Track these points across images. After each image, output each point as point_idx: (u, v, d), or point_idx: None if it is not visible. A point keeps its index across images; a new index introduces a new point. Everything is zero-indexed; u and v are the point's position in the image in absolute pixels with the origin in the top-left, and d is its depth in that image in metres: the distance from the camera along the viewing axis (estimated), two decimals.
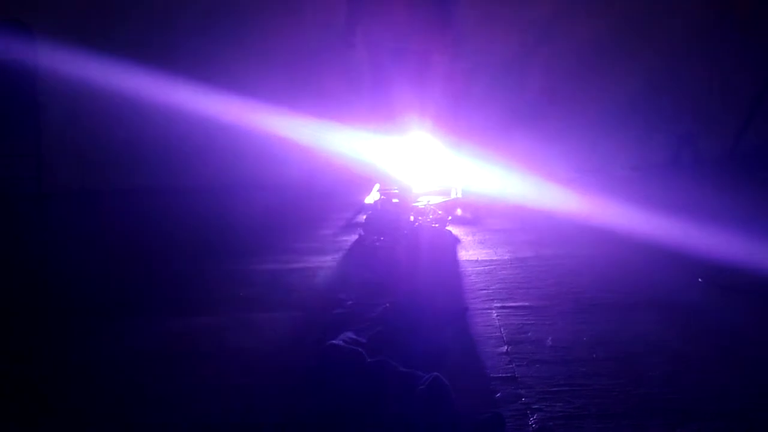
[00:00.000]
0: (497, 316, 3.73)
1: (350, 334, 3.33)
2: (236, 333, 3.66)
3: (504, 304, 3.89)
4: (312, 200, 7.09)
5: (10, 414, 2.87)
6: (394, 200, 5.85)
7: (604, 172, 7.66)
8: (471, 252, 4.98)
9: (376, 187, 7.12)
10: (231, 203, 7.17)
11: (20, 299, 4.35)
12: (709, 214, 5.51)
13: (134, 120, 7.81)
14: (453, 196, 6.68)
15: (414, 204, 5.82)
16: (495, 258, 4.78)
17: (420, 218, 5.49)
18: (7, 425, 2.78)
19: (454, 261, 4.78)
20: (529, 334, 3.48)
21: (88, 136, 8.01)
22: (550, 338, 3.41)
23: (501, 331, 3.52)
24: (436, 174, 7.03)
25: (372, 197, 6.77)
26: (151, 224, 6.39)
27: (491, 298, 4.01)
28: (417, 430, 2.56)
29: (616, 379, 2.96)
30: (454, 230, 5.50)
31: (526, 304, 3.89)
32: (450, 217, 5.72)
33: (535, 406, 2.77)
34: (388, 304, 3.65)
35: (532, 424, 2.64)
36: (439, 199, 6.50)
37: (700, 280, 4.10)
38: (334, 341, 3.18)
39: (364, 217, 5.92)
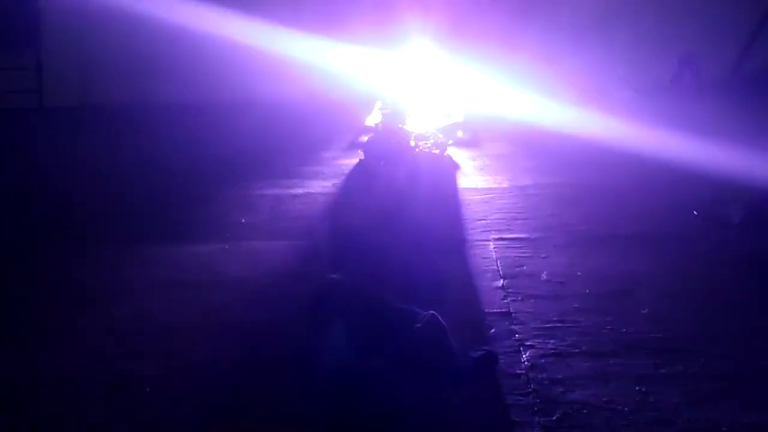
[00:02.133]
0: (494, 248, 3.81)
1: (350, 266, 3.41)
2: (239, 262, 3.75)
3: (501, 236, 3.97)
4: (313, 120, 7.09)
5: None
6: (395, 124, 5.88)
7: (607, 93, 7.63)
8: (470, 179, 5.04)
9: (378, 105, 7.12)
10: (232, 121, 7.16)
11: (21, 223, 4.44)
12: (710, 136, 5.54)
13: (138, 34, 7.74)
14: (454, 118, 6.68)
15: (414, 128, 5.83)
16: (494, 186, 4.85)
17: (420, 143, 5.52)
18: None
19: (454, 189, 4.85)
20: (525, 267, 3.57)
21: (90, 49, 7.95)
22: (544, 272, 3.50)
23: (497, 264, 3.61)
24: (438, 94, 7.02)
25: (373, 118, 6.77)
26: (152, 145, 6.39)
27: (489, 229, 4.09)
28: (412, 367, 2.66)
29: (607, 317, 3.05)
30: (455, 155, 5.53)
31: (523, 235, 3.97)
32: (450, 141, 5.74)
33: (528, 343, 2.88)
34: (387, 237, 3.72)
35: (524, 361, 2.74)
36: (440, 122, 6.51)
37: (695, 213, 4.16)
38: (334, 275, 3.26)
39: (365, 139, 5.94)
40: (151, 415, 2.46)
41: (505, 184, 4.86)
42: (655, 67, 7.67)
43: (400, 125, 5.85)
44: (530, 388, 2.57)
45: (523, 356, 2.78)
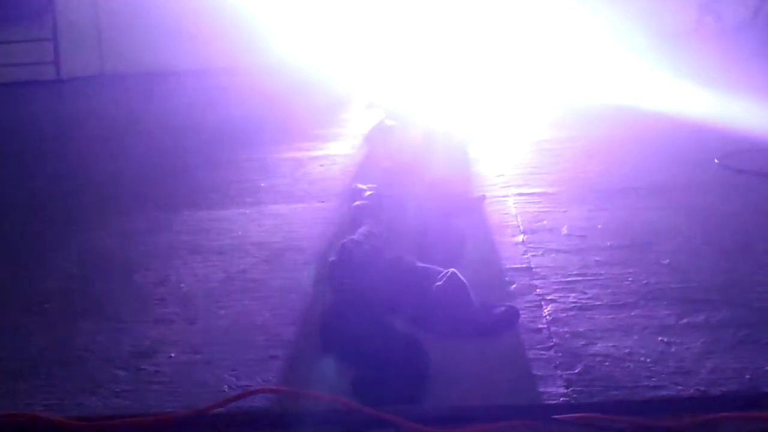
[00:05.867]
0: (514, 203, 3.81)
1: (368, 227, 3.41)
2: (260, 226, 3.77)
3: (520, 191, 3.96)
4: (330, 81, 7.07)
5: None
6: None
7: (623, 41, 7.55)
8: (488, 134, 5.01)
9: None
10: (247, 85, 7.17)
11: (40, 191, 4.48)
12: (731, 84, 5.48)
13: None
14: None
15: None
16: (512, 140, 4.83)
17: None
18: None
19: (470, 145, 4.83)
20: (545, 222, 3.56)
21: (106, 18, 7.96)
22: (565, 226, 3.49)
23: (517, 220, 3.61)
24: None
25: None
26: (169, 111, 6.43)
27: (508, 184, 4.09)
28: (434, 325, 2.66)
29: (628, 269, 3.04)
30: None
31: (542, 190, 3.96)
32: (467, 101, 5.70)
33: (549, 297, 2.87)
34: (406, 195, 3.72)
35: (546, 316, 2.74)
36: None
37: (716, 161, 4.13)
38: (353, 237, 3.27)
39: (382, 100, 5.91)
40: (177, 382, 2.48)
41: (522, 139, 4.84)
42: (676, 12, 7.57)
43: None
44: (552, 342, 2.57)
45: (545, 310, 2.78)
